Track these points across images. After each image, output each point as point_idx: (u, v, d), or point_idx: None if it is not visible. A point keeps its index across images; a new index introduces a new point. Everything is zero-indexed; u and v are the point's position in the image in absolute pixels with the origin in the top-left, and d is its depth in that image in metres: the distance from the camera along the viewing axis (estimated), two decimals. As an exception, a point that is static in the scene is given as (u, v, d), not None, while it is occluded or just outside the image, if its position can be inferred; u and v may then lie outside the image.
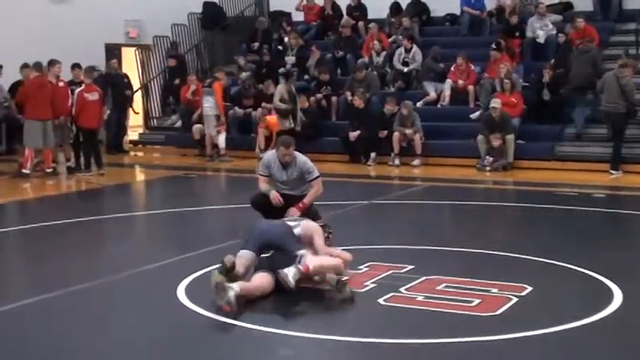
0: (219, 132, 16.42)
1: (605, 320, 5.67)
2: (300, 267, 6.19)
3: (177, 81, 18.89)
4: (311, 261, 6.29)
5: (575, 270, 7.08)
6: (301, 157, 8.59)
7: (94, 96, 14.29)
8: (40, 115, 13.92)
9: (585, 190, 12.11)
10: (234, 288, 5.88)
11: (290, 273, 6.12)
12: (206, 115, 16.50)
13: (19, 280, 7.28)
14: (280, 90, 16.11)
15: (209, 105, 16.48)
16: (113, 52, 20.72)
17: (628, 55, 16.02)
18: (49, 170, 14.08)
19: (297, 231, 6.72)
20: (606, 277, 6.70)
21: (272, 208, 8.48)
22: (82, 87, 14.23)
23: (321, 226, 7.08)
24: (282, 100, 15.80)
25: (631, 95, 13.67)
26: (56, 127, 14.21)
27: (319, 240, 6.79)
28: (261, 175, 8.76)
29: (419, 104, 16.44)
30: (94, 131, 14.49)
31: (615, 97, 13.65)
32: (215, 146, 16.50)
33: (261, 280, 6.26)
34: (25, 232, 9.41)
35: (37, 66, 14.29)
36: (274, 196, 8.53)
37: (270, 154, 8.75)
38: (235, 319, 5.68)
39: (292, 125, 15.92)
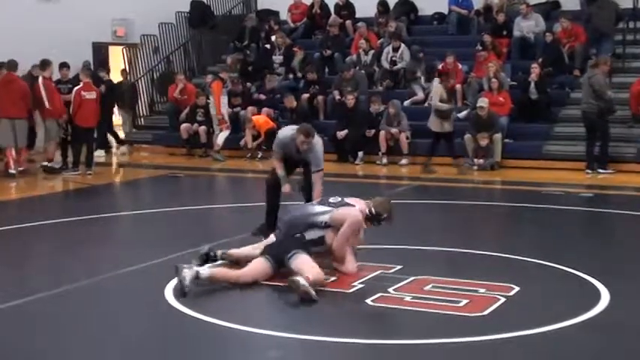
0: (221, 130, 16.45)
1: (592, 320, 5.69)
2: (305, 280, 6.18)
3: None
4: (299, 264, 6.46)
5: (563, 270, 7.10)
6: (318, 146, 8.35)
7: (91, 95, 14.25)
8: (8, 114, 13.85)
9: (573, 190, 12.14)
10: (199, 271, 6.34)
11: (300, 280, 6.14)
12: (213, 114, 16.65)
13: (1, 283, 7.19)
14: (438, 90, 14.74)
15: (210, 104, 16.62)
16: (100, 50, 20.68)
17: (614, 54, 16.09)
18: (12, 171, 13.80)
19: (323, 218, 6.87)
20: (593, 277, 6.72)
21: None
22: (80, 85, 14.19)
23: (374, 215, 7.06)
24: (441, 101, 14.59)
25: (603, 94, 13.71)
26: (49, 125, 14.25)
27: (346, 230, 6.80)
28: (276, 153, 8.53)
29: (406, 103, 16.44)
30: (90, 130, 14.46)
31: (587, 97, 13.78)
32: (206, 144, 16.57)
33: (254, 266, 6.53)
34: (8, 233, 9.34)
35: (10, 64, 14.22)
36: (286, 188, 8.45)
37: (289, 132, 8.34)
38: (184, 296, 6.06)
39: (450, 128, 14.55)
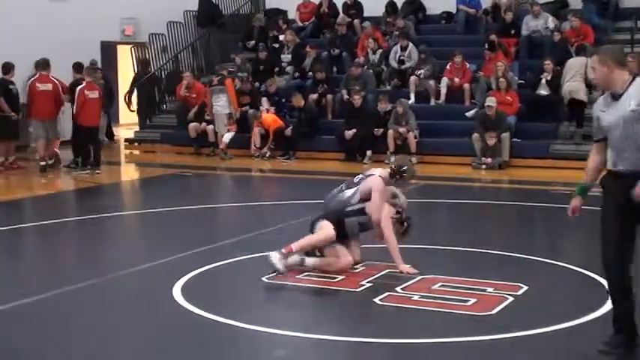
0: (229, 130, 16.40)
1: (599, 320, 5.67)
2: (283, 250, 6.76)
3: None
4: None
5: (571, 269, 7.11)
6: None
7: (94, 94, 14.28)
8: (37, 116, 14.22)
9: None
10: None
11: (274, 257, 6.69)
12: (217, 113, 16.48)
13: (9, 281, 7.19)
14: None
15: (221, 103, 16.45)
16: (109, 50, 20.72)
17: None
18: (42, 163, 14.10)
19: (355, 199, 7.21)
20: (601, 276, 6.70)
21: None
22: (83, 84, 14.21)
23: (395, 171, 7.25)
24: None
25: None
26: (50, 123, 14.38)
27: (375, 196, 7.07)
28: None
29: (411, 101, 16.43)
30: (93, 129, 14.49)
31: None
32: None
33: (324, 231, 6.96)
34: (17, 232, 9.38)
35: (41, 64, 14.46)
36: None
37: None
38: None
39: None
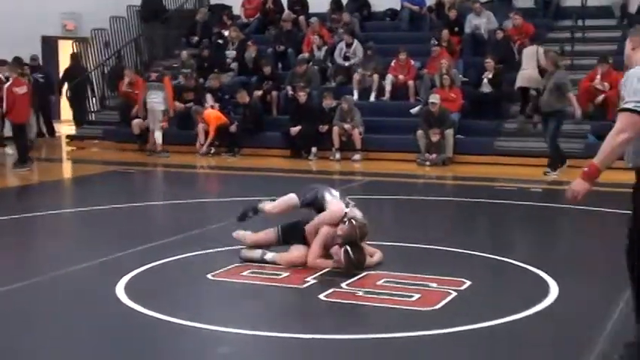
0: (162, 127, 16.24)
1: (541, 313, 5.75)
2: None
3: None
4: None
5: (513, 264, 7.18)
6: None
7: (22, 90, 14.04)
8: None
9: (523, 185, 12.28)
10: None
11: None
12: (152, 110, 16.27)
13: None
14: None
15: (158, 100, 16.24)
16: (50, 45, 20.40)
17: (563, 52, 16.29)
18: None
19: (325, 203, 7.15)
20: (543, 271, 6.80)
21: None
22: (10, 81, 13.94)
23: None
24: None
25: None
26: None
27: (325, 214, 7.03)
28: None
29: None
30: (22, 126, 14.24)
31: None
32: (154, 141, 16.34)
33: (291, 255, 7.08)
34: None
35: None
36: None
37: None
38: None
39: None
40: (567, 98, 13.42)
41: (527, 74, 15.07)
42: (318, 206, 7.16)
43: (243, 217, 7.50)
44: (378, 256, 7.16)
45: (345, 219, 6.94)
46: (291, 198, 7.31)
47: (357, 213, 7.16)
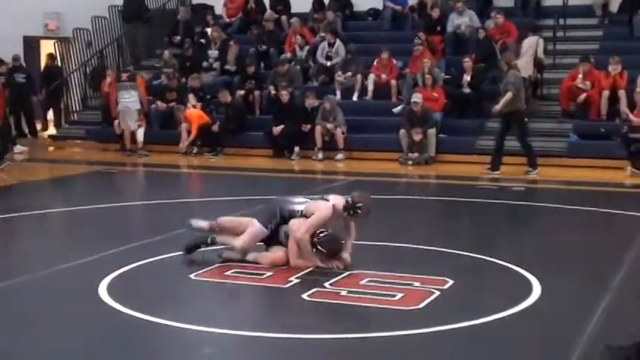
0: (139, 126, 16.19)
1: (524, 312, 5.78)
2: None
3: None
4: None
5: (496, 263, 7.21)
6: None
7: None
8: None
9: (505, 184, 12.32)
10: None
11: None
12: (126, 109, 16.20)
13: None
14: None
15: (132, 99, 16.19)
16: (32, 45, 20.30)
17: (545, 51, 16.35)
18: None
19: (299, 207, 7.08)
20: (525, 270, 6.83)
21: None
22: None
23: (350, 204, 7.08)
24: None
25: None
26: None
27: (312, 219, 6.95)
28: None
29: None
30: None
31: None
32: (134, 140, 16.27)
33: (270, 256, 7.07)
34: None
35: None
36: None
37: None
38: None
39: None
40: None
41: (522, 63, 14.88)
42: (290, 218, 7.08)
43: (191, 249, 7.28)
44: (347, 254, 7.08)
45: (348, 200, 7.04)
46: (258, 229, 7.06)
47: (338, 197, 7.22)
